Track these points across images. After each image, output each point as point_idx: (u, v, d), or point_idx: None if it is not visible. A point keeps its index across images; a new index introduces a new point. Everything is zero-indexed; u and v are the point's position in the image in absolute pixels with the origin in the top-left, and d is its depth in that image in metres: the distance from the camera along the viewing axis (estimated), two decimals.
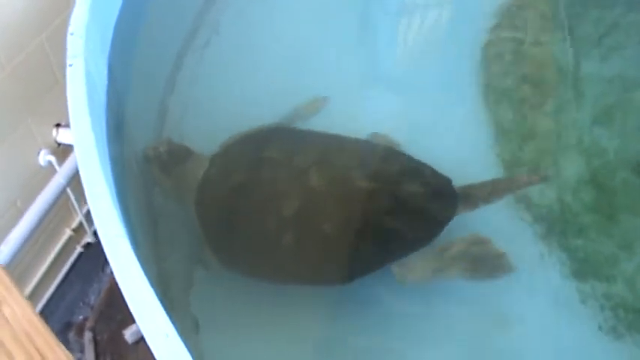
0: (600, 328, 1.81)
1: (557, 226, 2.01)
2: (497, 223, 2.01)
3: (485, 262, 1.86)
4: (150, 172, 1.98)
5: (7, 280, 1.05)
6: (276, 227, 1.81)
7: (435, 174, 1.93)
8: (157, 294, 1.05)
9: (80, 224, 2.50)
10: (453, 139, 2.20)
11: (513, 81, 2.46)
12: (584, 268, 1.91)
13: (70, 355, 0.97)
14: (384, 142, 2.13)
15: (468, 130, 2.28)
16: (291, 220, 1.80)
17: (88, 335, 2.35)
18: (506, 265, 1.85)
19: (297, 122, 2.23)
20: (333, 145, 2.00)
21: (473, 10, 2.79)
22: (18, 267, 2.19)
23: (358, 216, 1.84)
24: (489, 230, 1.98)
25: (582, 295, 1.87)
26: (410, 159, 1.99)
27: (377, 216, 1.84)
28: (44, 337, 0.99)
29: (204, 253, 1.86)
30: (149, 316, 1.01)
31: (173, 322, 1.01)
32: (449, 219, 1.85)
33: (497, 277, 1.85)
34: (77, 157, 1.29)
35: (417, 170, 1.94)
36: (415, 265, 1.83)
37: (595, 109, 2.31)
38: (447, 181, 1.91)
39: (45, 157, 2.16)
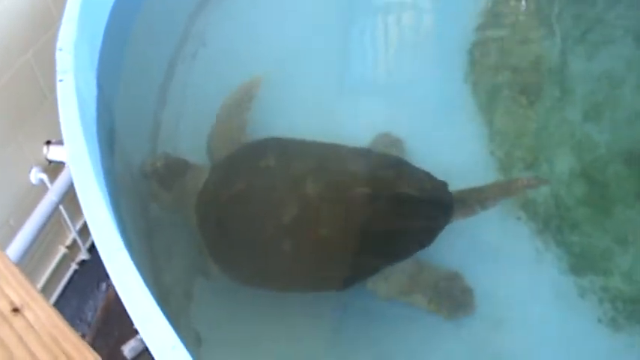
0: (600, 320, 1.82)
1: (552, 222, 2.02)
2: (492, 220, 2.02)
3: (451, 299, 1.85)
4: (147, 187, 1.98)
5: (27, 284, 1.04)
6: (275, 235, 1.81)
7: (430, 179, 1.92)
8: (159, 306, 1.04)
9: (74, 241, 2.48)
10: (446, 138, 2.21)
11: (502, 80, 2.47)
12: (581, 263, 1.92)
13: (99, 357, 0.97)
14: (390, 142, 2.13)
15: (461, 130, 2.29)
16: (290, 228, 1.80)
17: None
18: (469, 305, 1.84)
19: (246, 106, 2.25)
20: (330, 153, 2.01)
21: (458, 10, 2.80)
22: None
23: (355, 222, 1.85)
24: (485, 228, 1.99)
25: (580, 289, 1.88)
26: (406, 164, 1.99)
27: (373, 222, 1.85)
28: (71, 340, 0.98)
29: (205, 263, 1.85)
30: (154, 328, 1.00)
31: (177, 334, 1.01)
32: (444, 226, 1.86)
33: (457, 317, 1.84)
34: (72, 171, 1.29)
35: (414, 176, 1.94)
36: (389, 280, 1.83)
37: (585, 106, 2.33)
38: (443, 186, 1.91)
39: (36, 175, 2.15)
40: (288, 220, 1.80)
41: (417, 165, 1.97)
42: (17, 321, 0.98)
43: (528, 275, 1.94)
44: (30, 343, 0.96)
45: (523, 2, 2.84)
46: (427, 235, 1.84)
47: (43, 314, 1.00)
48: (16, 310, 0.99)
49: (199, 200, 1.92)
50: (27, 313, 0.99)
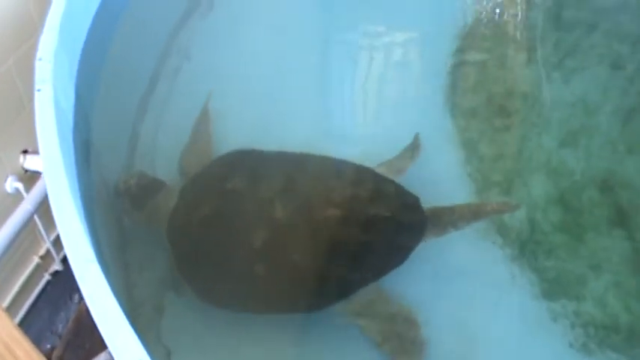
0: (571, 345, 1.83)
1: (527, 247, 2.03)
2: (467, 244, 2.03)
3: (400, 343, 1.80)
4: (120, 203, 1.97)
5: None
6: (245, 259, 1.81)
7: (402, 195, 1.93)
8: (129, 321, 1.04)
9: (48, 251, 2.46)
10: (423, 160, 2.22)
11: (480, 103, 2.49)
12: (554, 288, 1.93)
13: None
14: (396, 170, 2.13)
15: (439, 152, 2.30)
16: (259, 253, 1.79)
17: None
18: (417, 355, 1.79)
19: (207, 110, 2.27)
20: (297, 170, 2.00)
21: (439, 32, 2.82)
22: None
23: (325, 245, 1.84)
24: (459, 251, 2.00)
25: (553, 313, 1.89)
26: (378, 179, 1.99)
27: (345, 244, 1.85)
28: (24, 349, 0.97)
29: (177, 281, 1.85)
30: (122, 341, 0.99)
31: (145, 349, 1.00)
32: (416, 245, 1.86)
33: None
34: (46, 182, 1.28)
35: (385, 193, 1.93)
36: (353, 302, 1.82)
37: (561, 133, 2.35)
38: (415, 203, 1.91)
39: (12, 184, 2.14)
40: (258, 245, 1.79)
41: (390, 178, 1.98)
42: None
43: (501, 299, 1.94)
44: None
45: (503, 26, 2.87)
46: (399, 255, 1.84)
47: None
48: None
49: (170, 224, 1.91)
50: None
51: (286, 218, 1.83)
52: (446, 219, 1.92)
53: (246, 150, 2.08)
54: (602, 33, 2.75)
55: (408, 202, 1.91)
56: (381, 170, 2.07)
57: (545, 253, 2.03)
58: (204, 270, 1.85)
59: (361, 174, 2.02)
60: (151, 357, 0.99)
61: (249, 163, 2.02)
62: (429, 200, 1.94)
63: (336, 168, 2.03)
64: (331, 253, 1.82)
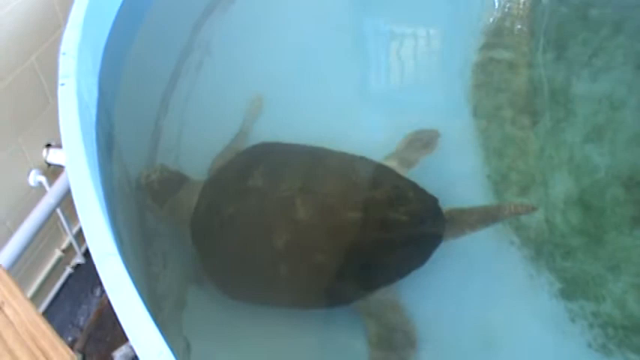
0: (590, 345, 1.81)
1: (545, 248, 2.01)
2: (485, 245, 2.02)
3: (387, 354, 1.79)
4: (142, 198, 1.98)
5: (9, 281, 1.05)
6: (267, 258, 1.82)
7: (422, 197, 1.92)
8: (150, 313, 1.04)
9: (70, 245, 2.48)
10: (443, 159, 2.21)
11: (503, 101, 2.47)
12: (572, 288, 1.92)
13: (75, 356, 0.97)
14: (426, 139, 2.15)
15: (458, 151, 2.28)
16: (281, 252, 1.80)
17: (77, 357, 2.32)
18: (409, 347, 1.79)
19: (248, 129, 2.27)
20: (319, 167, 2.00)
21: (462, 28, 2.81)
22: None
23: (345, 246, 1.84)
24: (478, 251, 1.99)
25: (571, 314, 1.87)
26: (395, 179, 1.99)
27: (364, 247, 1.84)
28: (48, 338, 0.99)
29: (199, 274, 1.86)
30: (142, 333, 1.00)
31: (166, 342, 1.01)
32: (435, 248, 1.85)
33: None
34: (69, 175, 1.29)
35: (404, 195, 1.93)
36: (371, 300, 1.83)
37: (586, 128, 2.32)
38: (434, 204, 1.90)
39: (35, 178, 2.16)
40: (280, 245, 1.81)
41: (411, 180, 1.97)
42: None
43: (520, 299, 1.93)
44: (8, 339, 0.97)
45: (527, 23, 2.85)
46: (418, 258, 1.84)
47: (22, 311, 1.01)
48: None
49: (193, 221, 1.93)
50: (6, 310, 1.00)
51: (308, 219, 1.84)
52: (464, 221, 1.91)
53: (269, 143, 2.09)
54: (626, 35, 2.73)
55: (427, 205, 1.90)
56: (391, 163, 2.07)
57: (564, 253, 2.01)
58: (227, 266, 1.86)
59: (381, 174, 2.02)
60: (171, 350, 1.00)
61: (272, 158, 2.03)
62: (447, 199, 1.93)
63: (356, 166, 2.02)
64: (351, 254, 1.82)
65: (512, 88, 2.53)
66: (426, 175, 2.06)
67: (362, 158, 2.04)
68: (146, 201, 1.98)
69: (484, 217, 1.96)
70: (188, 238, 1.91)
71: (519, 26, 2.85)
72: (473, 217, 1.93)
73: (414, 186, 1.94)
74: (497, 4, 2.93)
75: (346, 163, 2.03)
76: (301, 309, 1.87)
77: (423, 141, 2.21)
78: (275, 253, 1.81)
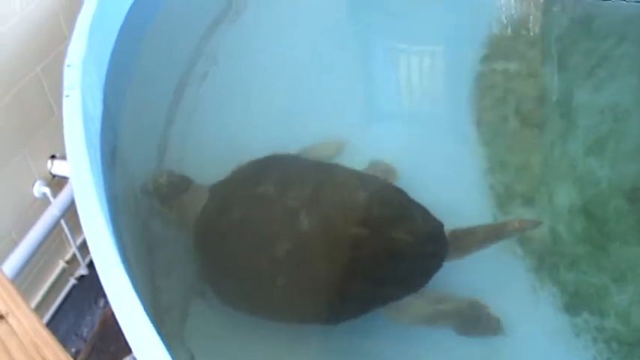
0: None
1: (548, 260, 1.99)
2: (488, 257, 2.01)
3: (478, 324, 1.82)
4: (148, 204, 1.98)
5: (13, 291, 1.05)
6: (269, 268, 1.82)
7: (427, 219, 1.91)
8: (153, 324, 1.04)
9: (74, 256, 2.49)
10: (446, 171, 2.20)
11: (506, 112, 2.46)
12: (576, 302, 1.90)
13: None
14: (384, 170, 2.13)
15: (461, 162, 2.28)
16: (283, 262, 1.80)
17: None
18: (497, 328, 1.80)
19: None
20: (327, 182, 2.00)
21: (466, 39, 2.80)
22: None
23: (346, 263, 1.83)
24: (480, 262, 1.98)
25: (576, 328, 1.85)
26: (403, 199, 1.97)
27: (364, 265, 1.84)
28: (51, 348, 0.98)
29: (201, 283, 1.86)
30: (146, 345, 1.00)
31: (169, 354, 1.01)
32: (434, 273, 1.84)
33: (486, 336, 1.82)
34: (73, 187, 1.30)
35: (409, 216, 1.92)
36: (407, 309, 1.82)
37: (588, 139, 2.32)
38: (438, 228, 1.90)
39: (40, 189, 2.16)
40: (283, 255, 1.81)
41: (414, 195, 1.96)
42: (0, 327, 0.99)
43: (522, 311, 1.92)
44: (12, 349, 0.97)
45: (531, 34, 2.85)
46: (419, 279, 1.83)
47: (26, 321, 1.01)
48: (0, 317, 1.00)
49: (197, 224, 1.93)
50: (10, 320, 1.00)
51: (310, 231, 1.84)
52: (467, 242, 1.91)
53: (278, 155, 2.10)
54: (632, 42, 2.72)
55: (431, 229, 1.90)
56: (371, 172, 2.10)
57: (568, 264, 1.99)
58: (226, 272, 1.86)
59: (389, 193, 2.02)
60: None
61: (279, 170, 2.03)
62: (451, 210, 1.93)
63: (364, 184, 2.02)
64: (351, 271, 1.82)
65: (515, 100, 2.53)
66: (429, 186, 2.06)
67: (371, 177, 2.06)
68: (154, 205, 1.99)
69: (488, 237, 1.95)
70: (192, 242, 1.92)
71: (523, 37, 2.85)
72: (476, 237, 1.93)
73: (422, 208, 1.94)
74: (500, 15, 2.93)
75: (355, 181, 2.03)
76: (297, 323, 1.86)
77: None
78: (275, 262, 1.81)
